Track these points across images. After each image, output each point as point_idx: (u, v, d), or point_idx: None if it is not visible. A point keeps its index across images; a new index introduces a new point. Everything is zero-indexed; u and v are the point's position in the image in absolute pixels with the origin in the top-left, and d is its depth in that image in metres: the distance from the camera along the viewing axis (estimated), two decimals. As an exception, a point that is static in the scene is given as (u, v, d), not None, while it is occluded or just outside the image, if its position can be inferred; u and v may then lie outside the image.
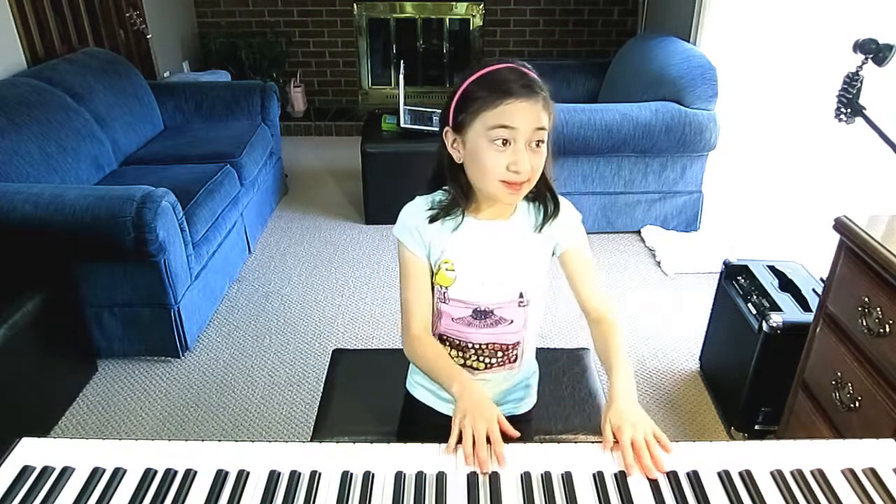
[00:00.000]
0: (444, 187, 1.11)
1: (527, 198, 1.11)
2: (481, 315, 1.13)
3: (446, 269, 1.10)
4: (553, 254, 1.16)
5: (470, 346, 1.16)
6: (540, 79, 1.02)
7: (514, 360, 1.18)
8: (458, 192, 1.08)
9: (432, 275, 1.13)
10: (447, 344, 1.16)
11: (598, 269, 2.94)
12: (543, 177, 1.07)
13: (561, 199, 1.13)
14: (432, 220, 1.09)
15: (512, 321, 1.14)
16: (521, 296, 1.12)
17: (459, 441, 0.91)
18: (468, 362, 1.17)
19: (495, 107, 0.97)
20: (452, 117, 1.03)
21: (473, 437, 0.90)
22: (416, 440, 0.93)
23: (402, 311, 1.15)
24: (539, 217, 1.11)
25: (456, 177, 1.07)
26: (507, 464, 0.88)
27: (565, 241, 1.14)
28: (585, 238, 1.16)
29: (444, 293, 1.12)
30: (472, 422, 0.91)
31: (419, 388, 1.25)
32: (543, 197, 1.10)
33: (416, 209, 1.12)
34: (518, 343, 1.17)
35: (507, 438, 0.93)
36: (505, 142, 0.98)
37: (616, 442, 0.91)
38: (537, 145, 1.00)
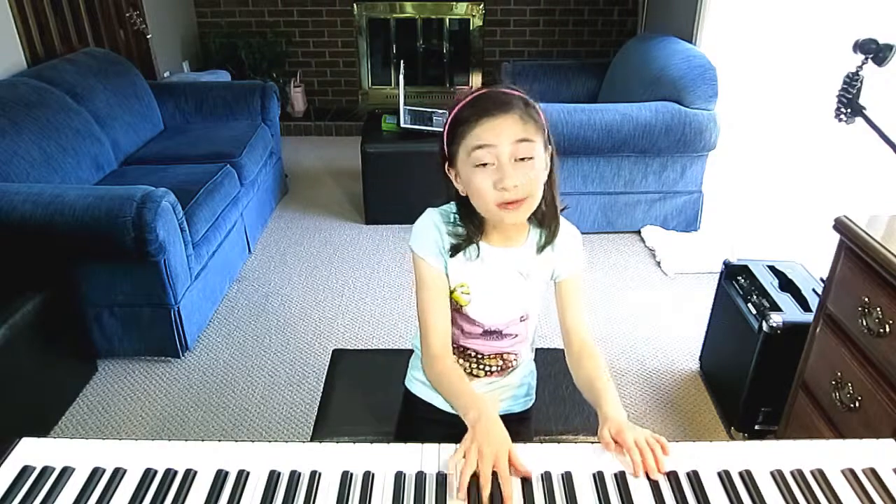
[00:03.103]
0: (453, 203, 1.11)
1: (537, 223, 1.11)
2: (490, 335, 1.16)
3: (462, 292, 1.12)
4: (550, 277, 1.17)
5: (473, 354, 1.19)
6: (522, 94, 1.02)
7: (511, 367, 1.22)
8: (470, 227, 1.08)
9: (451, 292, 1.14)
10: (453, 349, 1.17)
11: (598, 269, 2.94)
12: (550, 197, 1.07)
13: (566, 223, 1.14)
14: (453, 253, 1.08)
15: (516, 335, 1.18)
16: (523, 312, 1.16)
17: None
18: (469, 369, 1.20)
19: (473, 129, 0.98)
20: (447, 153, 1.04)
21: (478, 467, 0.84)
22: (415, 437, 0.94)
23: (420, 326, 1.14)
24: (542, 240, 1.11)
25: (467, 211, 1.07)
26: None
27: (566, 270, 1.15)
28: (583, 267, 1.18)
29: (460, 308, 1.14)
30: (480, 447, 0.86)
31: (417, 383, 1.26)
32: (549, 219, 1.10)
33: (432, 224, 1.10)
34: (518, 353, 1.21)
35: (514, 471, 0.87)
36: (485, 164, 0.98)
37: (617, 443, 0.91)
38: (523, 160, 0.98)
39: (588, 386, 1.08)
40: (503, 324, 1.15)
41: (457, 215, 1.10)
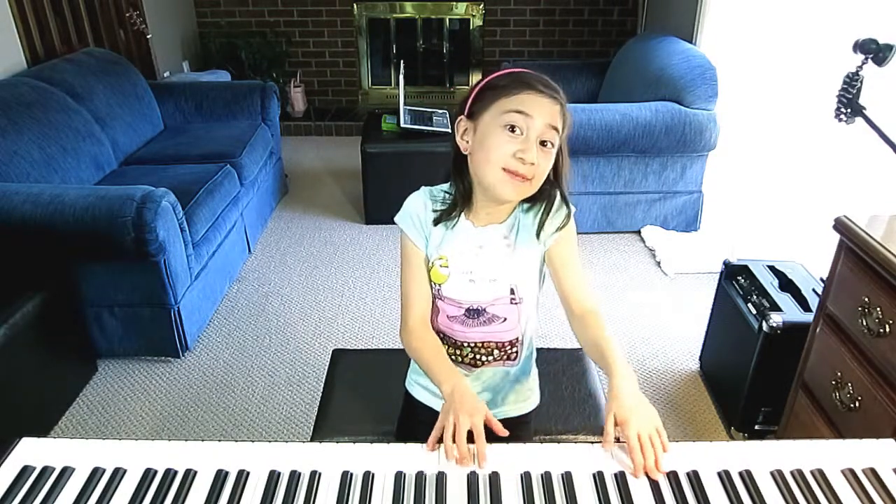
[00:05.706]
0: (450, 182, 1.11)
1: (527, 206, 1.10)
2: (474, 314, 1.13)
3: (440, 266, 1.11)
4: (542, 253, 1.14)
5: (465, 344, 1.16)
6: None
7: (514, 358, 1.18)
8: (459, 192, 1.09)
9: (428, 270, 1.13)
10: (444, 341, 1.16)
11: (598, 269, 2.94)
12: (559, 184, 1.08)
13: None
14: (436, 222, 1.10)
15: (505, 319, 1.13)
16: (512, 292, 1.12)
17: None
18: (465, 360, 1.17)
19: (514, 94, 1.00)
20: (469, 106, 1.05)
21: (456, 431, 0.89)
22: (415, 440, 0.93)
23: (401, 301, 1.15)
24: (536, 220, 1.09)
25: (460, 172, 1.08)
26: (486, 463, 0.88)
27: (553, 233, 1.11)
28: (574, 233, 1.14)
29: (439, 290, 1.13)
30: (456, 416, 0.91)
31: (418, 387, 1.25)
32: (540, 201, 1.09)
33: (420, 200, 1.13)
34: (516, 339, 1.16)
35: (497, 437, 0.92)
36: (514, 129, 0.99)
37: (617, 440, 0.91)
38: (544, 145, 1.00)
39: (594, 348, 1.08)
40: (487, 301, 1.11)
41: (447, 193, 1.11)
